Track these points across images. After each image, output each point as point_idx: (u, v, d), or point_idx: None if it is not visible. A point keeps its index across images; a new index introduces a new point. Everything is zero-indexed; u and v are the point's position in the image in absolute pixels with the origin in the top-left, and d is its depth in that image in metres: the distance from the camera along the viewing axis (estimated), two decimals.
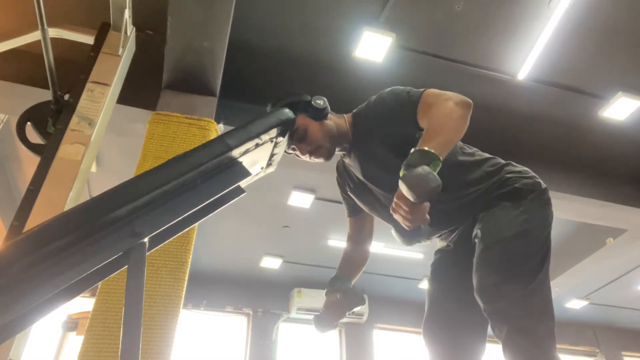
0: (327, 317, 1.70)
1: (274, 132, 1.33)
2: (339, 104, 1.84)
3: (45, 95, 2.17)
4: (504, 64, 4.08)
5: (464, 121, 1.36)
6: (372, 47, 3.78)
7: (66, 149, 2.00)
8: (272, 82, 4.13)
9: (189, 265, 2.97)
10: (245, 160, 1.21)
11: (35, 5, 1.91)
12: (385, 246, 6.28)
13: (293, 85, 4.00)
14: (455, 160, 1.53)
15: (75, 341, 5.30)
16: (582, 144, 4.95)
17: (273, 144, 1.40)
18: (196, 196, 1.09)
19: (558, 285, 6.62)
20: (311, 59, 4.06)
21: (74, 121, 2.08)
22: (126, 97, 2.88)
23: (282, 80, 4.12)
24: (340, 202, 1.89)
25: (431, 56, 4.02)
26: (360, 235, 1.86)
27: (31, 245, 0.87)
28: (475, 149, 1.65)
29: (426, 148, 1.25)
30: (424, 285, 7.13)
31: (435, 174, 1.19)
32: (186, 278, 2.93)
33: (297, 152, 1.61)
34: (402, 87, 1.57)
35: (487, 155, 1.62)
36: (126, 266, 0.96)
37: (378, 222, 1.81)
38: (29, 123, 2.12)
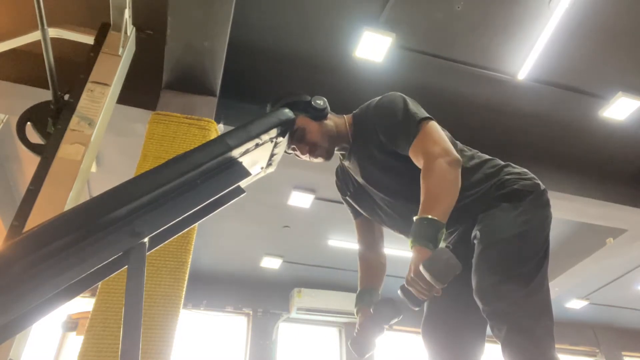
0: (363, 338, 1.54)
1: (274, 132, 1.33)
2: (338, 104, 1.83)
3: (45, 95, 2.17)
4: (504, 64, 4.08)
5: (458, 182, 1.38)
6: (372, 47, 3.78)
7: (66, 149, 2.00)
8: (272, 82, 4.13)
9: (189, 265, 2.97)
10: (245, 160, 1.21)
11: (35, 5, 1.91)
12: (384, 246, 6.26)
13: (293, 85, 4.00)
14: None
15: (75, 341, 5.31)
16: (582, 143, 4.95)
17: (273, 144, 1.40)
18: (196, 196, 1.09)
19: (558, 285, 6.62)
20: (311, 59, 4.06)
21: (74, 121, 2.08)
22: (126, 97, 2.88)
23: (282, 80, 4.12)
24: (340, 202, 1.88)
25: (431, 56, 4.02)
26: (370, 237, 1.79)
27: (31, 245, 0.87)
28: (475, 150, 1.65)
29: (430, 216, 1.28)
30: None
31: (452, 255, 1.20)
32: (186, 278, 2.93)
33: (297, 152, 1.62)
34: (402, 103, 1.55)
35: (486, 156, 1.62)
36: (126, 266, 0.96)
37: None
38: (29, 123, 2.12)
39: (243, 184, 1.21)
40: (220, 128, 3.67)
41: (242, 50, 3.84)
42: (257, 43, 3.90)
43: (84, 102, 2.15)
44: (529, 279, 1.34)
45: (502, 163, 1.59)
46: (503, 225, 1.42)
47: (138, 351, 0.87)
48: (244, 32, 3.73)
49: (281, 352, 7.26)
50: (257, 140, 1.24)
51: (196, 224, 1.17)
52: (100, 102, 2.18)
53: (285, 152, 1.61)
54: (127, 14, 2.43)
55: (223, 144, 1.13)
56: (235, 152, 1.16)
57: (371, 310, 1.58)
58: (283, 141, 1.48)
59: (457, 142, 1.65)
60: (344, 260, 6.57)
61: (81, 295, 0.99)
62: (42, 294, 0.87)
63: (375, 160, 1.56)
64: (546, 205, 1.50)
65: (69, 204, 1.90)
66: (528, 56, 3.93)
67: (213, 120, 3.51)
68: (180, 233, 1.12)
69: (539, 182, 1.53)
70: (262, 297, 7.49)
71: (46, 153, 1.98)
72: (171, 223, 1.04)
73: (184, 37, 3.24)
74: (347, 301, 7.23)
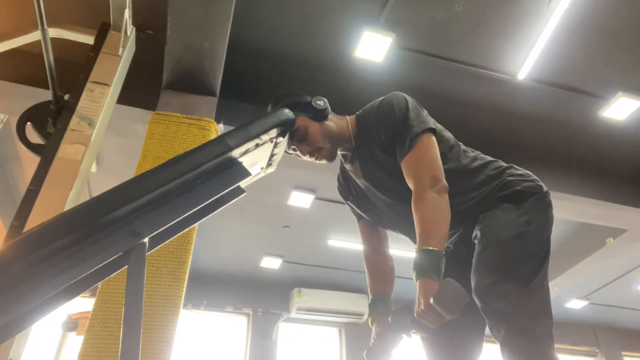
0: (380, 348, 1.51)
1: (274, 132, 1.33)
2: (339, 104, 1.83)
3: (45, 95, 2.17)
4: (504, 64, 4.08)
5: (449, 208, 1.39)
6: (372, 47, 3.78)
7: (66, 149, 2.00)
8: (272, 82, 4.13)
9: (189, 265, 2.97)
10: (245, 161, 1.21)
11: (35, 5, 1.91)
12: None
13: (293, 85, 4.01)
14: (458, 166, 1.53)
15: (75, 341, 5.31)
16: (582, 144, 4.95)
17: (273, 144, 1.40)
18: (196, 196, 1.09)
19: (558, 285, 6.61)
20: (311, 59, 4.05)
21: (74, 121, 2.08)
22: (126, 97, 2.89)
23: (282, 80, 4.12)
24: (340, 202, 1.88)
25: (431, 56, 4.02)
26: (374, 238, 1.76)
27: (31, 245, 0.87)
28: (477, 152, 1.64)
29: (430, 247, 1.30)
30: None
31: (457, 284, 1.22)
32: (186, 278, 2.93)
33: (298, 153, 1.61)
34: (404, 107, 1.54)
35: (488, 158, 1.62)
36: (126, 266, 0.96)
37: None
38: (29, 123, 2.12)
39: (243, 184, 1.21)
40: (220, 128, 3.67)
41: (242, 50, 3.84)
42: (257, 43, 3.90)
43: (84, 102, 2.15)
44: (528, 279, 1.34)
45: (505, 165, 1.59)
46: (504, 225, 1.42)
47: (138, 351, 0.87)
48: (244, 32, 3.73)
49: (281, 352, 7.26)
50: (257, 141, 1.24)
51: (196, 224, 1.17)
52: (100, 102, 2.18)
53: (286, 152, 1.61)
54: (127, 14, 2.43)
55: (223, 144, 1.13)
56: (235, 152, 1.16)
57: (389, 319, 1.53)
58: (283, 141, 1.48)
59: (460, 143, 1.65)
60: (344, 260, 6.57)
61: (81, 295, 0.99)
62: (42, 294, 0.87)
63: (378, 161, 1.56)
64: (548, 207, 1.50)
65: (69, 204, 1.90)
66: (528, 56, 3.93)
67: (213, 120, 3.51)
68: (180, 233, 1.12)
69: (542, 184, 1.53)
70: (262, 297, 7.49)
71: (46, 153, 1.98)
72: (171, 223, 1.04)
73: (184, 37, 3.24)
74: (347, 301, 7.23)
